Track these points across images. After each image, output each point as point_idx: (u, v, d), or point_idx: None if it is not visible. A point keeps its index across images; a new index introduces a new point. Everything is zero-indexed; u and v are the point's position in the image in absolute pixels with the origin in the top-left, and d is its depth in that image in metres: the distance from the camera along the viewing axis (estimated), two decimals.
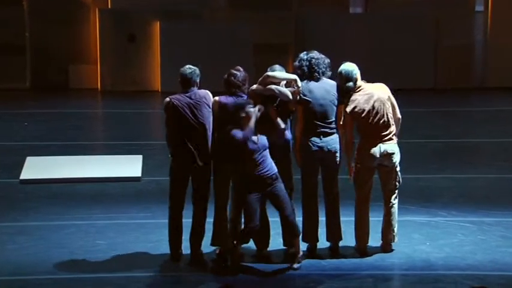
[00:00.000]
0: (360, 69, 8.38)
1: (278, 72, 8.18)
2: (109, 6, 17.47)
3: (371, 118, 8.19)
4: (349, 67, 8.27)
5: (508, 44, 17.24)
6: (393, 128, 8.27)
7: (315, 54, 8.35)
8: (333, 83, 8.34)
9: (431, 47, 17.13)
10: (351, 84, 8.22)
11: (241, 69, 8.31)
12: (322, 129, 8.21)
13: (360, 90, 8.25)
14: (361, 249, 8.35)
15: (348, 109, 8.24)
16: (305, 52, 8.39)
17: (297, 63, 8.35)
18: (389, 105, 8.27)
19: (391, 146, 8.26)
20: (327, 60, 8.35)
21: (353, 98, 8.25)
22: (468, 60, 17.33)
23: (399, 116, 8.33)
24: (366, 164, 8.27)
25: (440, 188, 10.43)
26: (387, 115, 8.23)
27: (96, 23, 17.23)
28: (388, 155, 8.24)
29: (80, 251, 8.53)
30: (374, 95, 8.24)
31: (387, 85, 8.37)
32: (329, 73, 8.35)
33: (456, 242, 8.72)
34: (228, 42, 16.86)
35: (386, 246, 8.36)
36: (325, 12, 17.42)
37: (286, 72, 8.32)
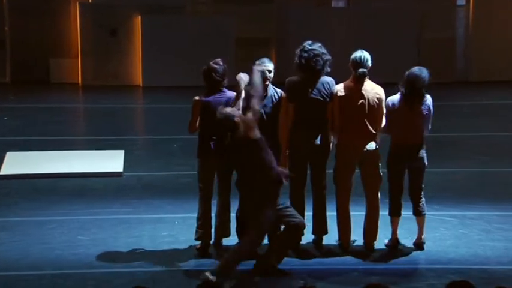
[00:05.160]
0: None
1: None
2: (89, 0, 17.39)
3: (354, 110, 8.15)
4: (363, 54, 8.20)
5: (490, 38, 17.31)
6: (374, 131, 8.21)
7: (317, 48, 8.21)
8: (328, 79, 8.28)
9: (414, 41, 17.17)
10: (362, 70, 8.15)
11: (221, 62, 8.28)
12: (312, 125, 8.19)
13: (360, 82, 8.19)
14: (344, 245, 8.34)
15: (339, 92, 8.20)
16: (310, 42, 8.26)
17: (297, 51, 8.27)
18: (377, 108, 8.20)
19: (371, 144, 8.24)
20: (327, 57, 8.23)
21: (348, 85, 8.21)
22: (451, 54, 17.39)
23: (383, 123, 8.27)
24: (345, 160, 8.26)
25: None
26: (370, 116, 8.19)
27: (77, 17, 17.15)
28: (368, 152, 8.22)
29: (62, 246, 8.49)
30: (366, 91, 8.20)
31: (370, 79, 8.34)
32: (327, 69, 8.28)
33: (438, 236, 8.74)
34: (210, 36, 16.82)
35: (368, 246, 8.35)
36: (308, 6, 17.43)
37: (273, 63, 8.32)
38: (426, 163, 8.27)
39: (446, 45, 17.36)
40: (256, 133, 7.59)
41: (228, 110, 7.68)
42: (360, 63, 8.17)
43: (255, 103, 7.71)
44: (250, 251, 7.67)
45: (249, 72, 7.96)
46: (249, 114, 7.65)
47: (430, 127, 8.32)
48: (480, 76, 17.36)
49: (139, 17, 17.02)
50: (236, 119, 7.57)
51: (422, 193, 8.35)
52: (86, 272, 7.90)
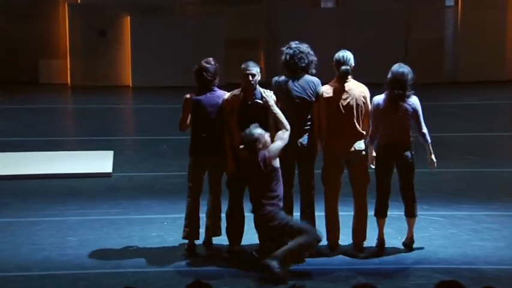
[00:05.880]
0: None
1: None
2: (78, 1, 17.38)
3: (341, 110, 8.16)
4: (345, 53, 8.23)
5: (478, 39, 17.37)
6: (362, 130, 8.23)
7: (304, 47, 8.23)
8: (313, 79, 8.28)
9: (402, 42, 17.21)
10: (345, 67, 8.17)
11: (212, 62, 8.28)
12: (298, 125, 8.20)
13: (344, 81, 8.21)
14: (332, 245, 8.36)
15: (325, 93, 8.21)
16: (297, 42, 8.29)
17: (283, 48, 8.29)
18: (363, 107, 8.22)
19: (359, 144, 8.26)
20: (313, 58, 8.23)
21: (333, 85, 8.22)
22: (439, 55, 17.45)
23: (370, 124, 8.27)
24: (334, 160, 8.27)
25: None
26: (357, 115, 8.21)
27: (66, 18, 17.14)
28: (356, 152, 8.24)
29: (52, 247, 8.48)
30: (352, 91, 8.22)
31: (358, 80, 8.36)
32: (312, 71, 8.29)
33: (427, 236, 8.76)
34: (200, 36, 16.83)
35: (358, 246, 8.36)
36: (297, 7, 17.46)
37: (259, 65, 8.33)
38: (412, 161, 8.29)
39: (434, 45, 17.41)
40: (276, 163, 7.74)
41: (258, 132, 7.78)
42: (342, 62, 8.20)
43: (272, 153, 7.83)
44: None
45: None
46: (276, 143, 7.80)
47: (424, 128, 8.28)
48: (468, 76, 17.42)
49: (129, 17, 17.02)
50: (257, 144, 7.71)
51: (416, 194, 8.37)
52: (75, 273, 7.89)
